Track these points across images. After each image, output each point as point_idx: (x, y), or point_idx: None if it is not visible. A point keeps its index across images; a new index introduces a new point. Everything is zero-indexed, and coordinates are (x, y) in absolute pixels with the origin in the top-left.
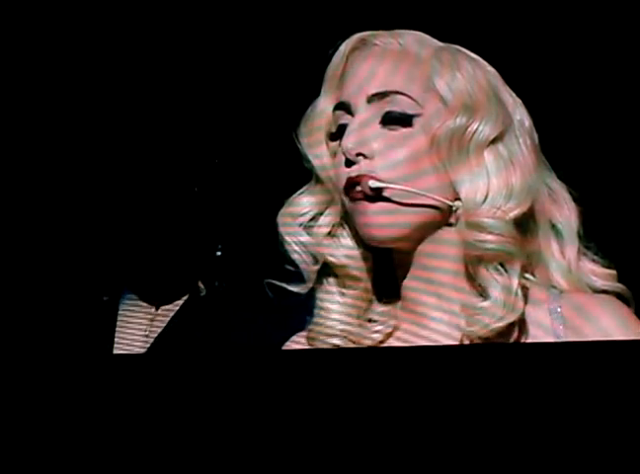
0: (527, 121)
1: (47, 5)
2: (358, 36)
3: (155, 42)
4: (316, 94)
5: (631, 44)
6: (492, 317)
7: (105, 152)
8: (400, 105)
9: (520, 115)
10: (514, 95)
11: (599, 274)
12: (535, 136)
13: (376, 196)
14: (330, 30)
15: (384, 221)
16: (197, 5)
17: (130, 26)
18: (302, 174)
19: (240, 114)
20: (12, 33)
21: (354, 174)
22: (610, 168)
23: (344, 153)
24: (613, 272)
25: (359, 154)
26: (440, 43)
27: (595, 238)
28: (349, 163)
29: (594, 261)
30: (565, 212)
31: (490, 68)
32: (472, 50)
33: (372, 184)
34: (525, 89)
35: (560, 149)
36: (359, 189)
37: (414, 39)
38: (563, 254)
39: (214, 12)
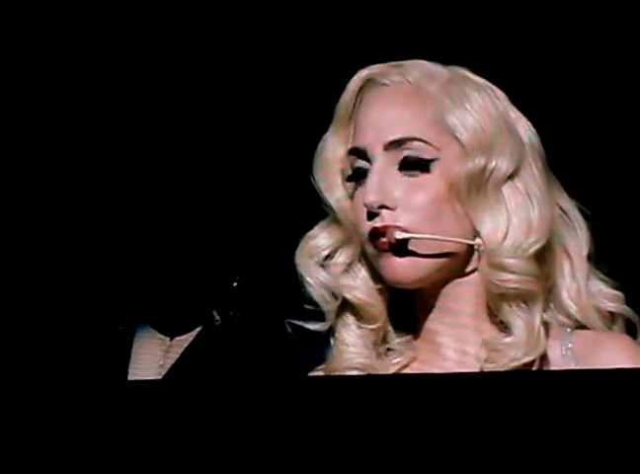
0: (537, 142)
1: (46, 5)
2: (364, 74)
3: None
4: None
5: (627, 55)
6: (516, 352)
7: (124, 182)
8: (417, 150)
9: (529, 137)
10: (521, 115)
11: (607, 295)
12: (544, 155)
13: (401, 245)
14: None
15: (409, 269)
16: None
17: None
18: (320, 208)
19: (260, 146)
20: (12, 33)
21: (378, 224)
22: (616, 185)
23: (366, 206)
24: (621, 294)
25: (381, 206)
26: (447, 72)
27: (603, 258)
28: (371, 215)
29: (602, 280)
30: (576, 234)
31: (498, 92)
32: (473, 67)
33: (399, 235)
34: (529, 102)
35: (566, 162)
36: (384, 240)
37: (421, 74)
38: (574, 276)
39: (225, 46)
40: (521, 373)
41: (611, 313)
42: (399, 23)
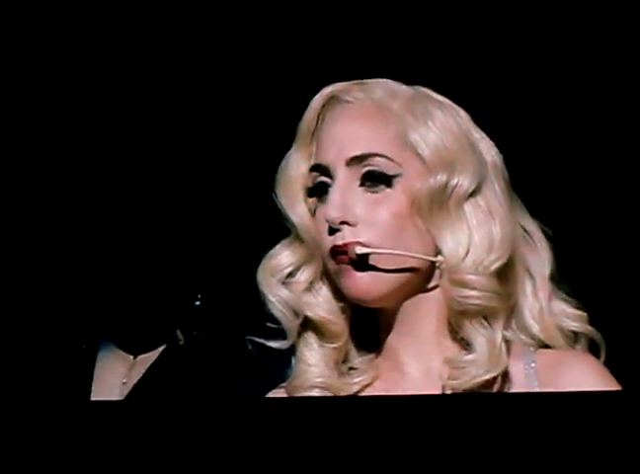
0: (499, 162)
1: (38, 7)
2: (328, 91)
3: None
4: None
5: (586, 78)
6: (478, 370)
7: (87, 201)
8: (379, 166)
9: (493, 156)
10: (484, 135)
11: (569, 315)
12: (507, 175)
13: (362, 260)
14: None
15: (370, 284)
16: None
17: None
18: (282, 225)
19: (222, 164)
20: (7, 34)
21: (339, 242)
22: (580, 208)
23: (327, 221)
24: (584, 314)
25: (342, 222)
26: (410, 90)
27: (566, 278)
28: (332, 231)
29: (564, 300)
30: (538, 253)
31: (461, 112)
32: (435, 87)
33: (359, 250)
34: (492, 125)
35: (529, 184)
36: (345, 257)
37: (384, 93)
38: (536, 296)
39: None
40: (485, 395)
41: (575, 333)
42: (364, 43)
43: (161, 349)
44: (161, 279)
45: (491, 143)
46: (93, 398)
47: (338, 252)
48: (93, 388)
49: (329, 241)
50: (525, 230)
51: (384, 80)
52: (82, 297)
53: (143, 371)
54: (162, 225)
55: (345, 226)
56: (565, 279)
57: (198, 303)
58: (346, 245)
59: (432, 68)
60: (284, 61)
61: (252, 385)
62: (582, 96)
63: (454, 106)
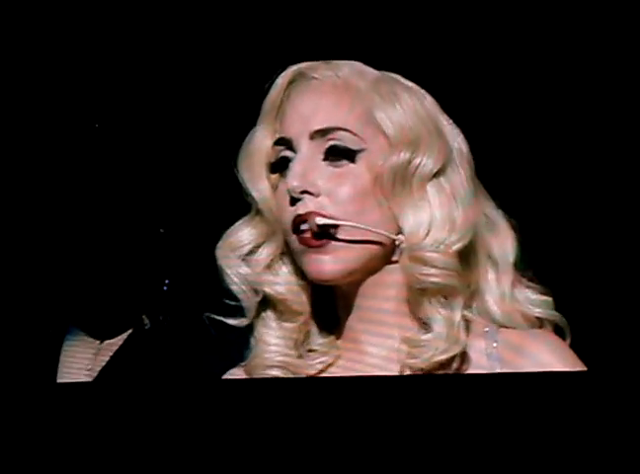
0: (465, 149)
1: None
2: (295, 68)
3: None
4: (253, 123)
5: (554, 68)
6: (435, 350)
7: (51, 184)
8: (343, 140)
9: (459, 143)
10: (451, 122)
11: (533, 301)
12: (472, 164)
13: (323, 233)
14: (265, 57)
15: (331, 265)
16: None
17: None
18: (242, 204)
19: (180, 141)
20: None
21: (301, 211)
22: (547, 194)
23: (289, 192)
24: (549, 299)
25: (304, 192)
26: (378, 73)
27: (531, 265)
28: (294, 201)
29: (529, 287)
30: (501, 241)
31: (428, 97)
32: (406, 75)
33: (319, 221)
34: (459, 114)
35: (496, 176)
36: (305, 227)
37: (351, 71)
38: (499, 282)
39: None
40: (443, 376)
41: (539, 318)
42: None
43: (127, 334)
44: (128, 265)
45: (458, 130)
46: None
47: (299, 223)
48: (59, 373)
49: (290, 212)
50: (489, 218)
51: (352, 61)
52: (49, 282)
53: (109, 356)
54: (129, 210)
55: (306, 196)
56: (531, 266)
57: (165, 288)
58: (307, 214)
59: (405, 58)
60: (248, 44)
61: (216, 368)
62: (548, 86)
63: (422, 90)
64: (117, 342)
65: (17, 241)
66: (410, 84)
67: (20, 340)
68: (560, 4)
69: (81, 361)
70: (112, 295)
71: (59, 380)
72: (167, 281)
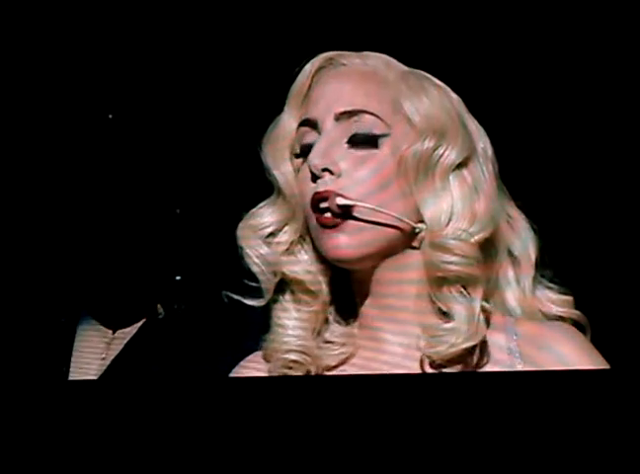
0: (490, 150)
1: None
2: (324, 55)
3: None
4: (279, 110)
5: (582, 71)
6: (457, 338)
7: (67, 176)
8: (368, 124)
9: (484, 143)
10: (477, 123)
11: (554, 300)
12: (496, 165)
13: (342, 213)
14: (295, 48)
15: (350, 244)
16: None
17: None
18: (262, 192)
19: (201, 129)
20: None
21: (320, 188)
22: (567, 198)
23: (310, 168)
24: (569, 298)
25: (325, 169)
26: (406, 68)
27: (552, 265)
28: (314, 178)
29: (549, 288)
30: (522, 240)
31: (454, 95)
32: (437, 77)
33: (340, 201)
34: (486, 118)
35: (518, 180)
36: (325, 205)
37: (381, 62)
38: (519, 281)
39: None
40: (465, 374)
41: (560, 317)
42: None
43: (140, 323)
44: (142, 254)
45: (483, 131)
46: (71, 372)
47: (319, 200)
48: (72, 363)
49: (311, 189)
50: (511, 217)
51: (383, 55)
52: (63, 271)
53: (122, 346)
54: (143, 195)
55: (327, 174)
56: (551, 267)
57: (178, 277)
58: (327, 192)
59: (430, 60)
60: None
61: (230, 358)
62: (564, 90)
63: (450, 90)
64: (130, 331)
65: (31, 230)
66: (439, 82)
67: (33, 329)
68: (581, 8)
69: (94, 351)
70: (126, 284)
71: (72, 370)
72: (178, 278)
